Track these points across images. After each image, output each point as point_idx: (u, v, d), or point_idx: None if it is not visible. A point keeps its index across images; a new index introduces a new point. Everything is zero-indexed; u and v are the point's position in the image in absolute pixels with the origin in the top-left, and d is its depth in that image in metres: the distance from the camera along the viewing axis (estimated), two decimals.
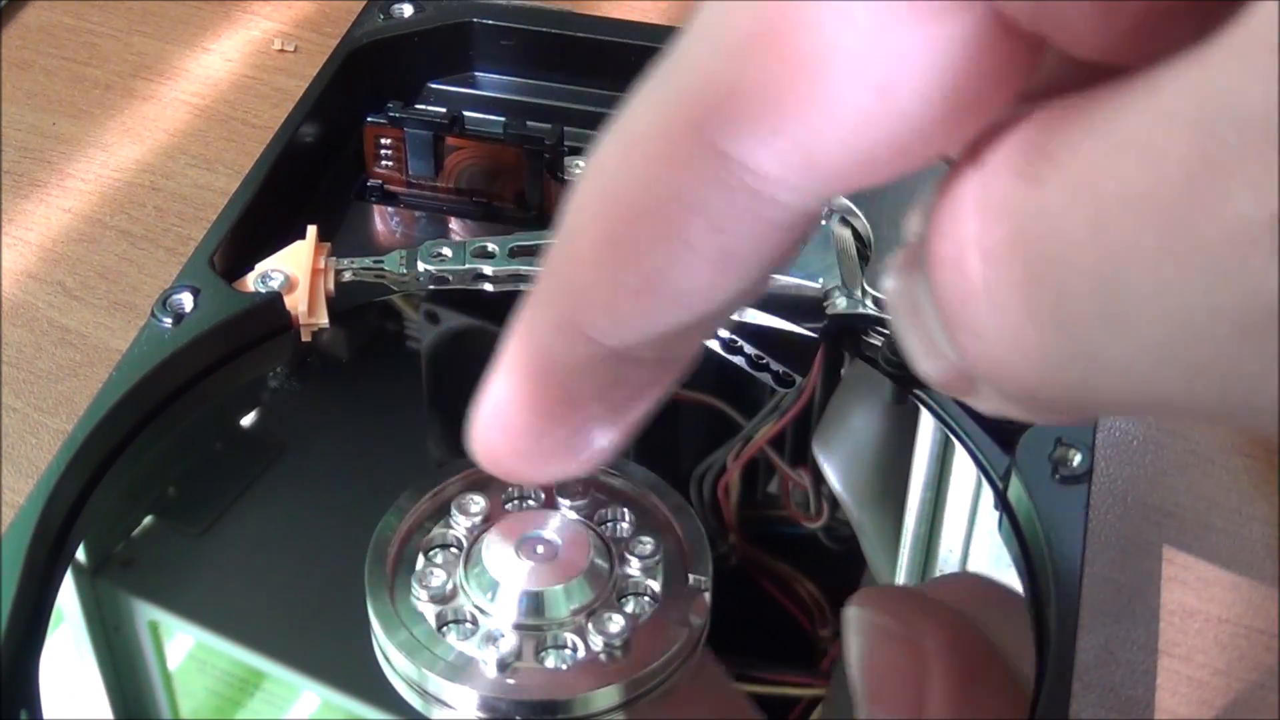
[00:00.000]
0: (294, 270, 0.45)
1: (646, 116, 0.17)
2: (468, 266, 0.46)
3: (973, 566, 0.42)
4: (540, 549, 0.39)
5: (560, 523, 0.40)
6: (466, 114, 0.52)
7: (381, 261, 0.46)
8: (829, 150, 0.15)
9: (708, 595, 0.39)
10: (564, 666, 0.37)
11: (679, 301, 0.18)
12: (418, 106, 0.53)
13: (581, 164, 0.50)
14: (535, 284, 0.20)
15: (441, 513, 0.41)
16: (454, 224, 0.52)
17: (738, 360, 0.45)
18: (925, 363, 0.17)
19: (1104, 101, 0.14)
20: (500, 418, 0.21)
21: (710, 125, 0.16)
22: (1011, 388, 0.15)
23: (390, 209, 0.53)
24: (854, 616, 0.24)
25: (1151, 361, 0.13)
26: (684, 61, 0.17)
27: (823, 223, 0.47)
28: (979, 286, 0.15)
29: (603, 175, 0.18)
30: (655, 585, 0.39)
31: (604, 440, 0.22)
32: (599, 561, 0.39)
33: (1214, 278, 0.12)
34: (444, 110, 0.52)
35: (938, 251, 0.16)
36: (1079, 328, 0.14)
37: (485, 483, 0.41)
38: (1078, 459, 0.39)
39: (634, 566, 0.39)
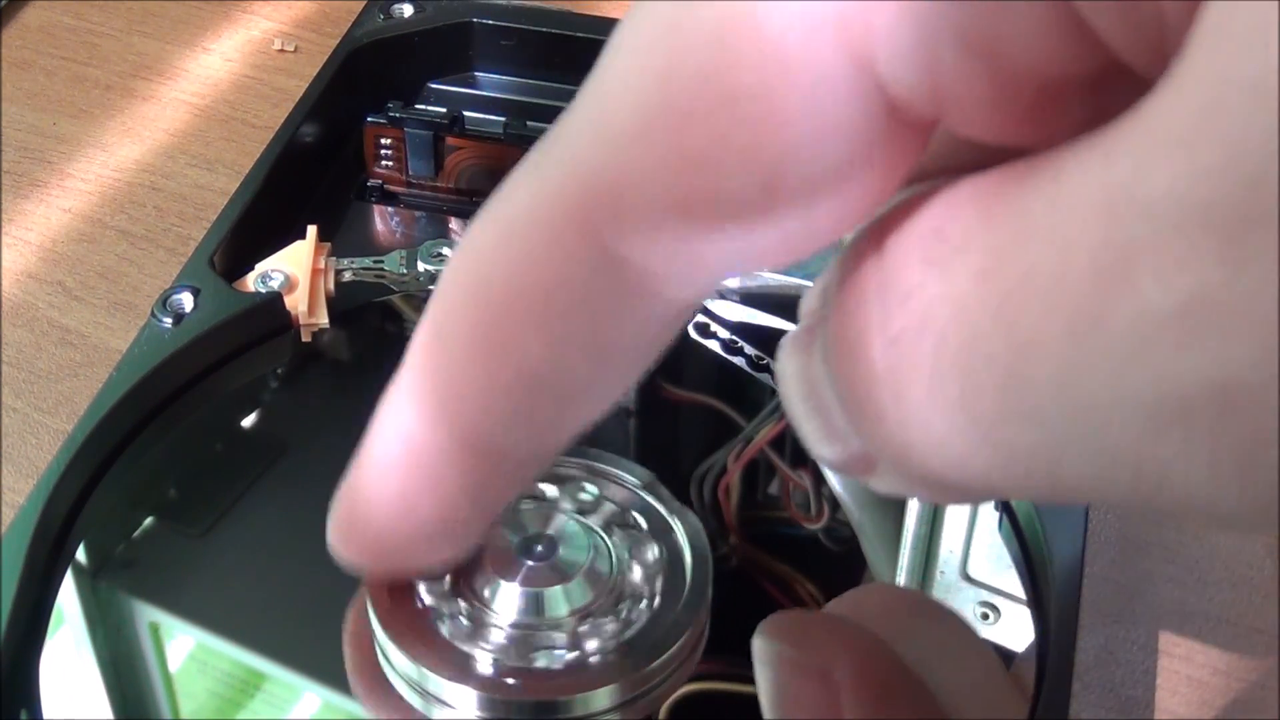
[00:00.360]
0: (294, 270, 0.45)
1: (526, 201, 0.16)
2: None
3: (973, 566, 0.42)
4: (540, 549, 0.39)
5: (560, 523, 0.40)
6: (466, 114, 0.52)
7: (381, 261, 0.46)
8: (719, 248, 0.15)
9: (708, 595, 0.39)
10: (563, 667, 0.37)
11: (556, 396, 0.18)
12: (418, 106, 0.53)
13: None
14: (401, 370, 0.19)
15: None
16: (454, 224, 0.52)
17: (738, 360, 0.45)
18: (823, 447, 0.17)
19: (1006, 187, 0.14)
20: (361, 509, 0.20)
21: (596, 219, 0.15)
22: (916, 473, 0.15)
23: (390, 209, 0.53)
24: (760, 648, 0.23)
25: (1061, 451, 0.13)
26: (570, 142, 0.16)
27: None
28: (882, 373, 0.14)
29: (478, 261, 0.17)
30: (655, 586, 0.39)
31: (466, 532, 0.21)
32: (599, 562, 0.39)
33: (1121, 368, 0.12)
34: (444, 110, 0.52)
35: (840, 335, 0.15)
36: (985, 417, 0.13)
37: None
38: None
39: (633, 567, 0.39)
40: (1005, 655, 0.41)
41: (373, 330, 0.51)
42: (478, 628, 0.38)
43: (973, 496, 0.15)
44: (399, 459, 0.20)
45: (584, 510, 0.41)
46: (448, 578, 0.39)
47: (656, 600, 0.39)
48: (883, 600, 0.25)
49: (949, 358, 0.14)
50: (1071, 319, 0.12)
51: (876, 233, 0.15)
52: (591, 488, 0.42)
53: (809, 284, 0.45)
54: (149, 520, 0.44)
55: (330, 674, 0.41)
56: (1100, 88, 0.14)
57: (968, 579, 0.43)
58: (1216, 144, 0.11)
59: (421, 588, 0.39)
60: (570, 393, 0.18)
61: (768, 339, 0.45)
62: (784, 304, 0.45)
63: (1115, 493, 0.13)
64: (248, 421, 0.48)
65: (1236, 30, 0.11)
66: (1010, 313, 0.13)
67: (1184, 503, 0.12)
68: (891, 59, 0.14)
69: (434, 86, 0.57)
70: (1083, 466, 0.13)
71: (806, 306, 0.17)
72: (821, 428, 0.16)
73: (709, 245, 0.15)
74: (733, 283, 0.45)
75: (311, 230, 0.46)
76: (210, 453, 0.47)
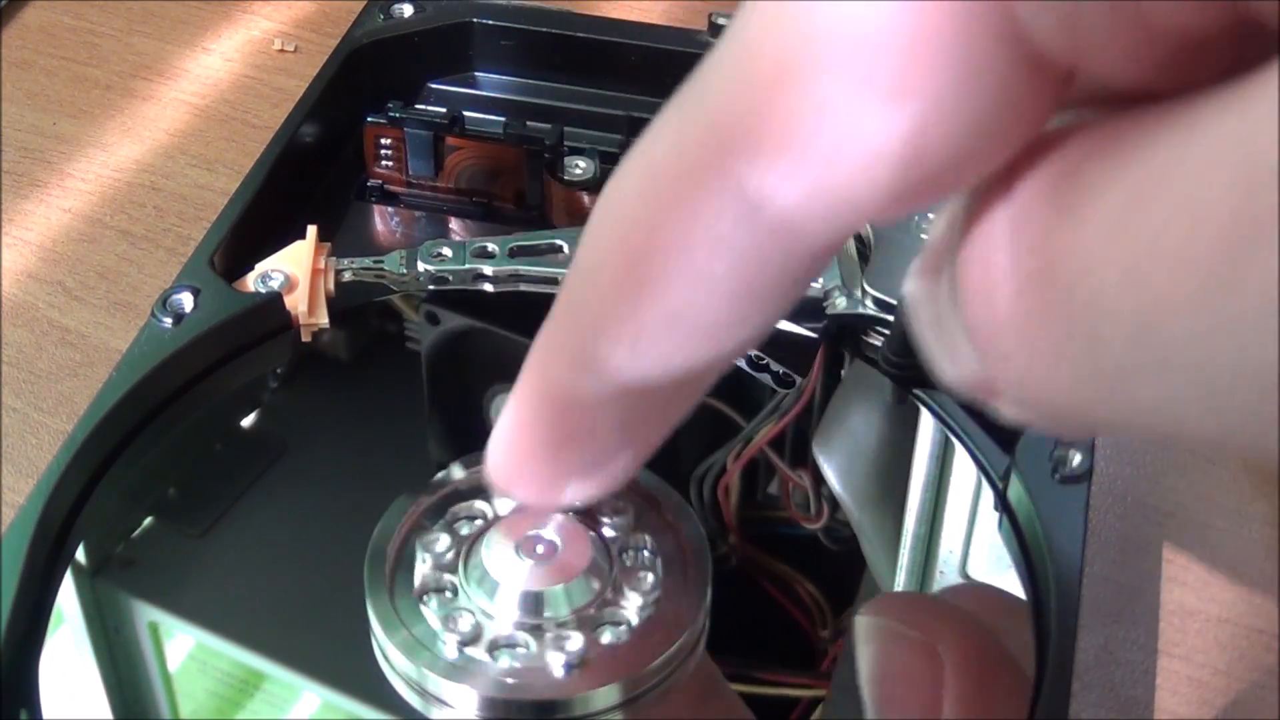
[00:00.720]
0: (294, 270, 0.45)
1: (668, 144, 0.17)
2: (468, 266, 0.46)
3: (973, 566, 0.42)
4: (540, 549, 0.39)
5: (560, 523, 0.40)
6: (466, 114, 0.52)
7: (381, 261, 0.46)
8: (855, 184, 0.15)
9: (708, 595, 0.39)
10: (564, 666, 0.37)
11: (699, 335, 0.18)
12: (418, 106, 0.53)
13: (581, 164, 0.50)
14: (551, 313, 0.20)
15: (441, 513, 0.40)
16: (454, 224, 0.52)
17: (738, 360, 0.45)
18: (947, 368, 0.17)
19: (1140, 135, 0.14)
20: (516, 446, 0.21)
21: (735, 156, 0.16)
22: (1036, 407, 0.15)
23: (390, 209, 0.53)
24: (866, 624, 0.24)
25: (1183, 404, 0.13)
26: (709, 88, 0.16)
27: None
28: (1008, 317, 0.15)
29: (623, 204, 0.18)
30: (655, 586, 0.39)
31: (618, 468, 0.21)
32: (599, 561, 0.39)
33: (1253, 333, 0.12)
34: (444, 110, 0.52)
35: (968, 277, 0.15)
36: (1111, 368, 0.14)
37: (485, 484, 0.41)
38: (1078, 459, 0.39)
39: (634, 567, 0.39)
40: None
41: (373, 330, 0.51)
42: (478, 628, 0.38)
43: (1086, 431, 0.15)
44: (551, 395, 0.20)
45: (584, 511, 0.41)
46: (448, 579, 0.39)
47: (656, 600, 0.39)
48: (983, 595, 0.26)
49: (1077, 309, 0.14)
50: (1204, 282, 0.12)
51: (1007, 171, 0.15)
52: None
53: (809, 285, 0.45)
54: (149, 520, 0.45)
55: (329, 673, 0.41)
56: (1239, 40, 0.13)
57: (968, 579, 0.43)
58: None
59: (420, 587, 0.39)
60: (711, 332, 0.18)
61: (768, 339, 0.45)
62: None
63: (1235, 445, 0.13)
64: (248, 421, 0.49)
65: None
66: (1141, 270, 0.13)
67: None
68: (1034, 9, 0.14)
69: (434, 86, 0.57)
70: (1206, 421, 0.13)
71: (934, 233, 0.17)
72: (945, 351, 0.17)
73: (845, 178, 0.15)
74: None
75: (311, 230, 0.46)
76: (210, 453, 0.47)
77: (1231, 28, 0.13)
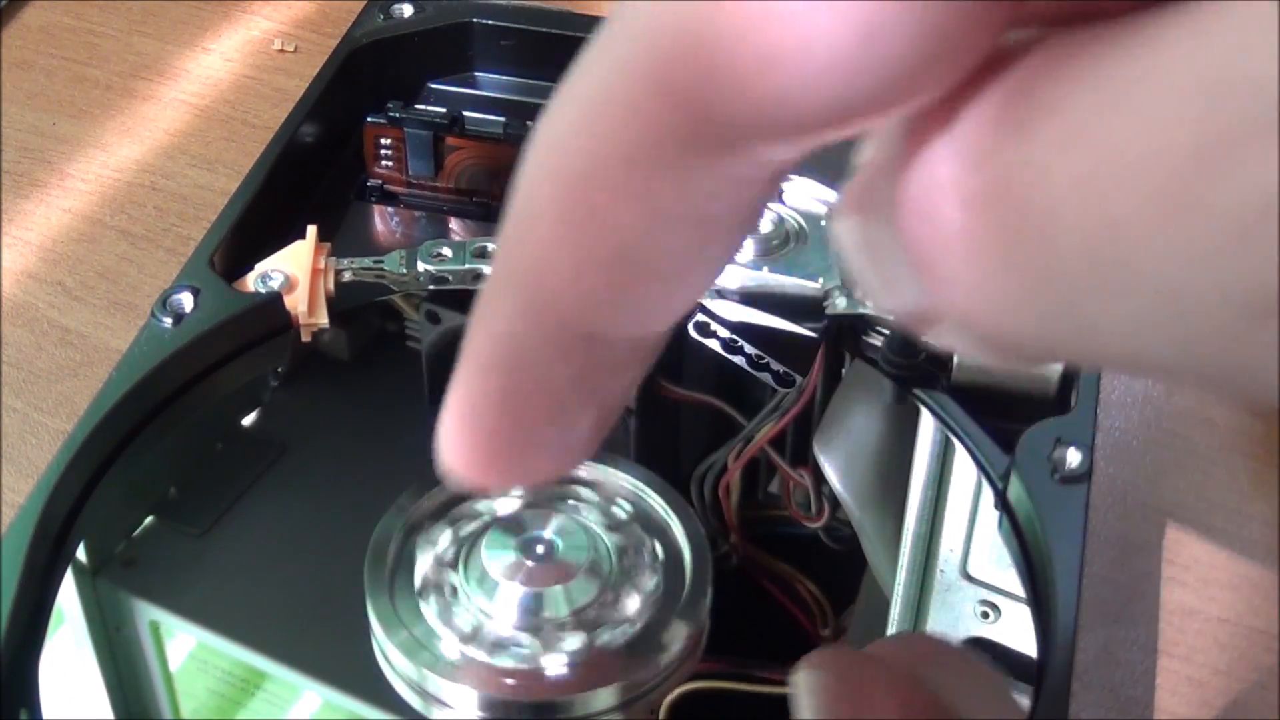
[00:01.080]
0: (294, 270, 0.45)
1: (603, 69, 0.16)
2: (468, 266, 0.46)
3: (973, 566, 0.42)
4: (540, 549, 0.39)
5: (560, 523, 0.40)
6: (466, 114, 0.52)
7: (381, 261, 0.46)
8: (809, 99, 0.14)
9: (708, 595, 0.39)
10: (563, 667, 0.37)
11: (653, 272, 0.17)
12: (418, 106, 0.53)
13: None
14: (492, 267, 0.19)
15: (441, 513, 0.41)
16: (454, 224, 0.52)
17: (738, 360, 0.45)
18: (885, 300, 0.16)
19: (1097, 49, 0.13)
20: (471, 419, 0.20)
21: (679, 74, 0.15)
22: (983, 335, 0.15)
23: (390, 209, 0.53)
24: (805, 679, 0.24)
25: (1142, 327, 0.13)
26: (644, 10, 0.15)
27: (822, 222, 0.47)
28: (954, 236, 0.14)
29: (559, 138, 0.17)
30: (655, 586, 0.39)
31: (583, 434, 0.20)
32: (599, 562, 0.39)
33: (1217, 256, 0.11)
34: (444, 110, 0.52)
35: (907, 194, 0.15)
36: (1065, 287, 0.13)
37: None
38: (1078, 459, 0.39)
39: (634, 567, 0.39)
40: (1005, 656, 0.41)
41: (373, 330, 0.51)
42: (478, 628, 0.38)
43: (1038, 359, 0.15)
44: (501, 356, 0.19)
45: (584, 511, 0.41)
46: (448, 579, 0.39)
47: (656, 600, 0.39)
48: (917, 647, 0.26)
49: (1029, 226, 0.13)
50: (1166, 201, 0.12)
51: (954, 89, 0.14)
52: (591, 488, 0.42)
53: (810, 284, 0.45)
54: (149, 519, 0.45)
55: (330, 673, 0.41)
56: None
57: (968, 578, 0.43)
58: None
59: (421, 587, 0.39)
60: (666, 267, 0.17)
61: (768, 338, 0.45)
62: (784, 304, 0.45)
63: (1193, 373, 0.13)
64: (248, 421, 0.49)
65: None
66: (1098, 187, 0.12)
67: (1262, 392, 0.12)
68: None
69: (434, 86, 0.57)
70: (1164, 347, 0.13)
71: (863, 159, 0.16)
72: (882, 279, 0.16)
73: (805, 102, 0.14)
74: (733, 283, 0.45)
75: (311, 230, 0.46)
76: (210, 452, 0.47)
77: None
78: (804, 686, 0.24)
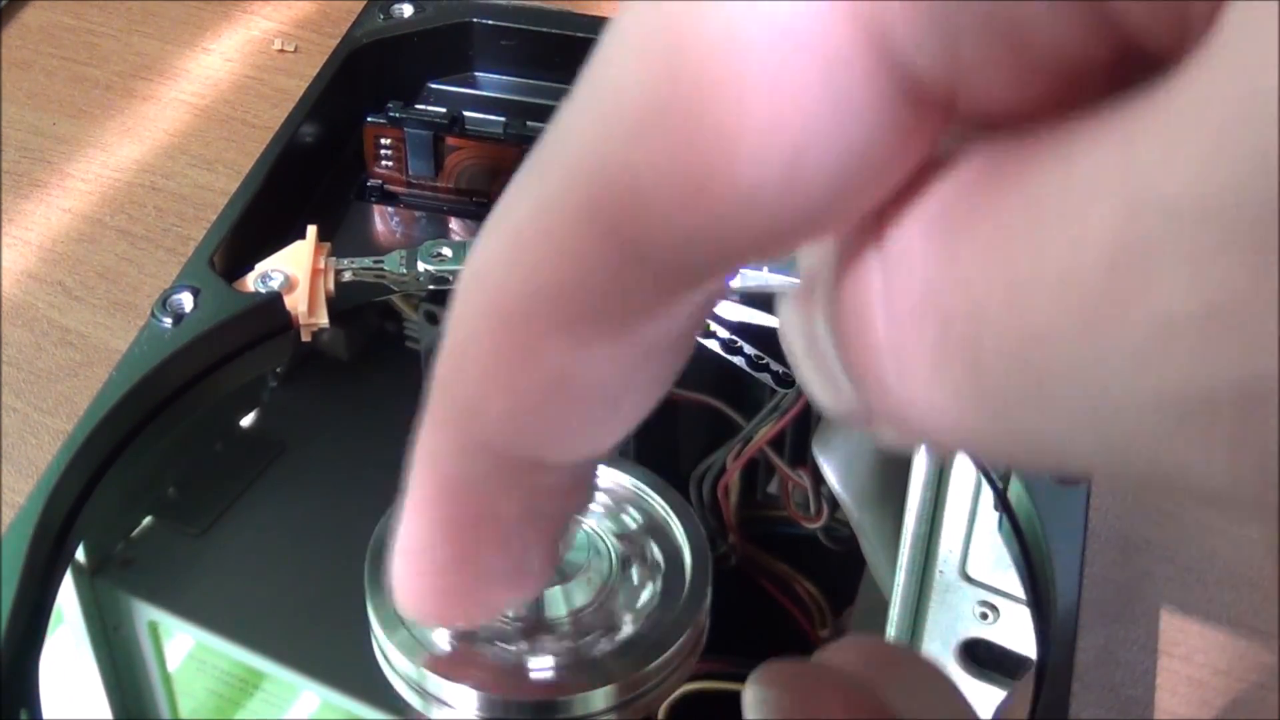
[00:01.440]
0: (294, 270, 0.45)
1: (533, 203, 0.16)
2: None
3: (972, 566, 0.42)
4: None
5: None
6: (466, 114, 0.52)
7: (381, 261, 0.46)
8: (741, 232, 0.14)
9: (708, 595, 0.39)
10: (563, 666, 0.37)
11: (591, 401, 0.17)
12: (418, 106, 0.53)
13: None
14: (429, 400, 0.19)
15: None
16: (454, 224, 0.52)
17: (738, 360, 0.45)
18: (824, 397, 0.16)
19: (1017, 163, 0.13)
20: (420, 557, 0.20)
21: (610, 210, 0.15)
22: (918, 435, 0.15)
23: (390, 209, 0.53)
24: (753, 695, 0.24)
25: (1072, 435, 0.13)
26: (574, 138, 0.15)
27: None
28: (884, 347, 0.14)
29: (489, 272, 0.17)
30: (655, 586, 0.39)
31: (535, 561, 0.20)
32: (598, 562, 0.39)
33: (1140, 366, 0.12)
34: (444, 110, 0.52)
35: (840, 302, 0.15)
36: (994, 396, 0.13)
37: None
38: None
39: (633, 567, 0.39)
40: (1005, 656, 0.41)
41: (373, 330, 0.51)
42: (478, 628, 0.38)
43: (978, 455, 0.15)
44: (444, 490, 0.19)
45: (584, 511, 0.41)
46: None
47: (656, 600, 0.39)
48: (866, 651, 0.26)
49: (954, 340, 0.13)
50: (1086, 315, 0.12)
51: (882, 210, 0.15)
52: (591, 489, 0.42)
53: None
54: (148, 519, 0.45)
55: (329, 673, 0.41)
56: (1121, 67, 0.13)
57: (967, 579, 0.43)
58: (1245, 143, 0.11)
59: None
60: (604, 395, 0.17)
61: (767, 339, 0.45)
62: None
63: (1127, 476, 0.13)
64: (247, 421, 0.49)
65: (1270, 19, 0.10)
66: (1020, 302, 0.12)
67: (1198, 493, 0.12)
68: (907, 36, 0.13)
69: (434, 86, 0.57)
70: (1094, 452, 0.13)
71: (804, 261, 0.16)
72: (822, 380, 0.16)
73: (735, 231, 0.14)
74: (733, 283, 0.45)
75: (311, 230, 0.46)
76: (210, 452, 0.47)
77: (1113, 56, 0.13)
78: (751, 700, 0.24)
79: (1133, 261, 0.11)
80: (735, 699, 0.43)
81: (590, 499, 0.20)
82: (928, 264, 0.14)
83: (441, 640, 0.38)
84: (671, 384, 0.18)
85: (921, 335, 0.14)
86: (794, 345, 0.17)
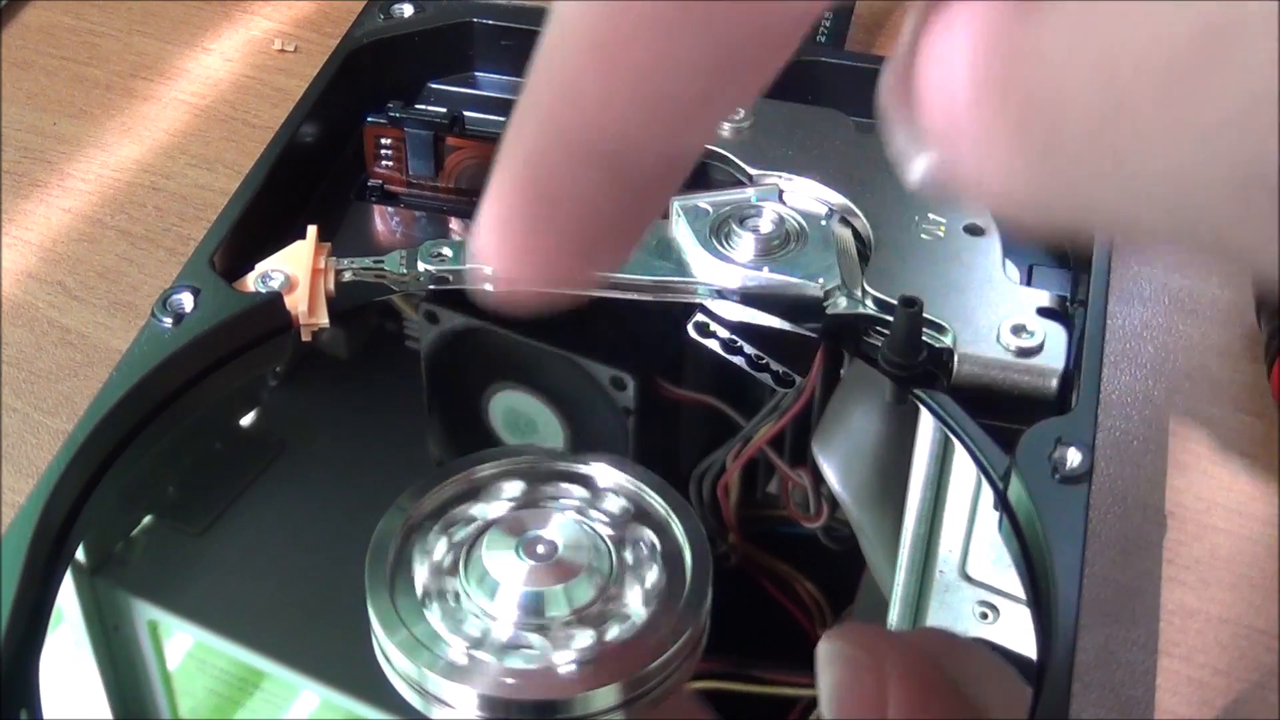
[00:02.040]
0: (294, 270, 0.45)
1: None
2: (468, 266, 0.46)
3: (973, 566, 0.42)
4: (540, 549, 0.39)
5: (560, 523, 0.40)
6: (466, 114, 0.52)
7: (381, 261, 0.46)
8: None
9: (708, 595, 0.39)
10: (564, 667, 0.37)
11: (679, 101, 0.18)
12: (418, 106, 0.53)
13: None
14: (525, 87, 0.19)
15: (441, 513, 0.41)
16: (454, 224, 0.52)
17: (738, 360, 0.45)
18: (912, 169, 0.17)
19: None
20: (502, 213, 0.21)
21: None
22: (993, 204, 0.16)
23: (390, 209, 0.53)
24: (824, 649, 0.26)
25: (1143, 203, 0.13)
26: None
27: (822, 222, 0.47)
28: (967, 115, 0.15)
29: None
30: (655, 586, 0.39)
31: (611, 248, 0.21)
32: (599, 561, 0.39)
33: (1214, 140, 0.12)
34: (444, 110, 0.52)
35: (926, 72, 0.15)
36: (1070, 166, 0.14)
37: (485, 483, 0.41)
38: (1078, 459, 0.39)
39: (634, 567, 0.39)
40: (1005, 656, 0.41)
41: (373, 330, 0.51)
42: (479, 628, 0.38)
43: (1045, 225, 0.15)
44: (528, 169, 0.20)
45: (584, 510, 0.41)
46: (448, 579, 0.39)
47: (657, 600, 0.39)
48: (931, 637, 0.28)
49: (1037, 107, 0.14)
50: (1167, 89, 0.12)
51: None
52: (591, 488, 0.42)
53: (810, 284, 0.45)
54: (148, 519, 0.44)
55: (329, 672, 0.41)
56: None
57: (967, 578, 0.43)
58: None
59: (421, 587, 0.39)
60: (692, 98, 0.18)
61: (767, 339, 0.45)
62: (784, 304, 0.45)
63: (1192, 242, 0.13)
64: (247, 420, 0.48)
65: None
66: (1104, 73, 0.13)
67: (1255, 259, 0.13)
68: None
69: (434, 86, 0.57)
70: (1162, 219, 0.13)
71: (908, 27, 0.17)
72: (909, 144, 0.17)
73: None
74: (733, 283, 0.45)
75: (311, 230, 0.46)
76: (210, 452, 0.47)
77: None
78: (825, 656, 0.25)
79: (1215, 43, 0.12)
80: (736, 699, 0.43)
81: (664, 205, 0.21)
82: (1015, 33, 0.14)
83: (441, 641, 0.38)
84: (751, 97, 0.18)
85: (1004, 102, 0.14)
86: (889, 109, 0.17)
